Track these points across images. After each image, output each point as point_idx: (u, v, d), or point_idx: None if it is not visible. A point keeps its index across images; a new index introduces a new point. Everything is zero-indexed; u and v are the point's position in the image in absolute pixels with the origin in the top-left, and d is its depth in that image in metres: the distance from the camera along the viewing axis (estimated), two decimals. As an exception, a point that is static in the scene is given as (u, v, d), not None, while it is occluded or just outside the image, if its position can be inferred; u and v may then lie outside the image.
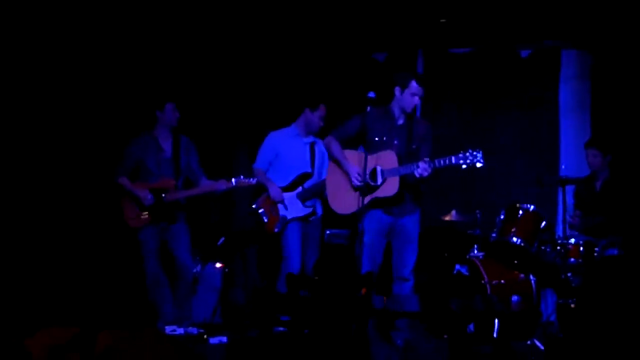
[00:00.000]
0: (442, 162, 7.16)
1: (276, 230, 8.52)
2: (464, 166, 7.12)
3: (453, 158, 7.12)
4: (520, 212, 8.35)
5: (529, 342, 7.66)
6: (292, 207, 8.53)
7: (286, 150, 8.64)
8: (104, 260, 9.06)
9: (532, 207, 8.38)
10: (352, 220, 7.67)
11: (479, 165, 7.08)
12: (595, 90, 10.09)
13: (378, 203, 7.49)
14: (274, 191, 8.49)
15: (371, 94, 7.32)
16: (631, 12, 8.53)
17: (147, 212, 8.37)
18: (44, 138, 8.84)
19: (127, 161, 8.46)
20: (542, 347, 7.55)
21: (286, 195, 8.52)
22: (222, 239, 9.60)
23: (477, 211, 8.95)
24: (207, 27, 9.82)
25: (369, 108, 7.39)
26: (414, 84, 7.55)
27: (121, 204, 8.46)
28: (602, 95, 9.91)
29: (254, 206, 8.69)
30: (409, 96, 7.55)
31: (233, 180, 8.37)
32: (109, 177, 8.45)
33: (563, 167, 9.25)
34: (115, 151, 8.56)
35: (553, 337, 7.82)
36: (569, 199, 8.86)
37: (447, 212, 9.24)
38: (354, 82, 10.08)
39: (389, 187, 7.41)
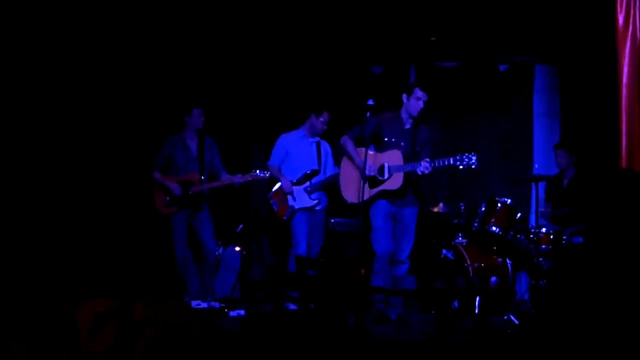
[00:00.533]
0: (441, 162, 7.20)
1: (285, 218, 8.53)
2: (460, 167, 7.15)
3: (451, 159, 7.15)
4: (499, 205, 8.35)
5: (505, 317, 7.65)
6: (300, 199, 8.52)
7: (295, 149, 8.64)
8: (142, 243, 9.08)
9: (509, 200, 8.40)
10: (356, 211, 7.75)
11: (473, 167, 7.10)
12: (564, 100, 10.09)
13: (384, 194, 7.54)
14: (285, 184, 8.50)
15: (370, 102, 7.46)
16: (593, 34, 8.55)
17: (175, 202, 8.40)
18: (102, 140, 9.01)
19: (160, 159, 8.53)
20: (517, 322, 7.53)
21: (295, 188, 8.52)
22: (241, 226, 9.60)
23: (462, 204, 8.95)
24: (230, 45, 9.84)
25: (368, 113, 7.42)
26: (417, 90, 7.63)
27: (154, 195, 8.52)
28: (569, 104, 9.91)
29: (268, 196, 8.72)
30: (414, 101, 7.62)
31: (249, 175, 8.43)
32: (146, 172, 8.53)
33: (536, 166, 9.22)
34: (151, 150, 8.62)
35: (526, 313, 7.81)
36: (541, 194, 8.86)
37: (436, 204, 9.22)
38: (355, 91, 10.04)
39: (395, 181, 7.45)
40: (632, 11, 7.78)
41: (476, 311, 7.46)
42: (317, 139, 8.69)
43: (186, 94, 9.30)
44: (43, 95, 8.39)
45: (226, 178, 8.57)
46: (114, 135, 9.04)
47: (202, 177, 8.50)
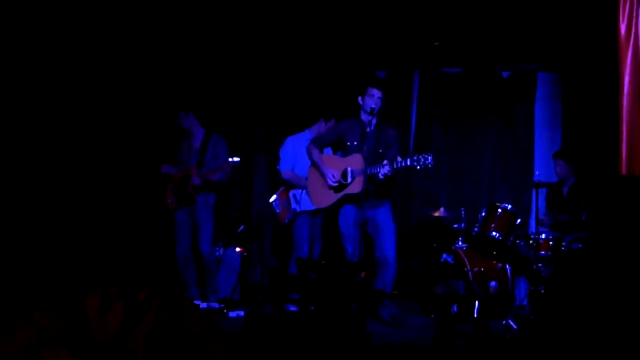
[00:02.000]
0: (399, 164, 7.23)
1: (286, 221, 8.54)
2: (417, 167, 7.18)
3: (408, 160, 7.18)
4: (499, 210, 8.35)
5: (504, 322, 7.64)
6: (304, 202, 8.53)
7: (302, 152, 8.60)
8: (149, 239, 9.15)
9: (509, 206, 8.39)
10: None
11: (430, 166, 7.13)
12: (565, 108, 10.11)
13: (348, 199, 7.60)
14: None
15: (372, 105, 7.52)
16: (595, 43, 8.57)
17: (174, 197, 8.48)
18: (116, 141, 9.09)
19: (170, 154, 8.68)
20: (516, 327, 7.53)
21: (299, 191, 8.53)
22: (242, 227, 9.61)
23: (462, 209, 8.93)
24: (237, 47, 9.87)
25: (359, 119, 7.48)
26: (370, 88, 7.67)
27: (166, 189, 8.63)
28: (571, 112, 9.93)
29: (271, 200, 8.71)
30: (368, 98, 7.64)
31: (230, 161, 8.32)
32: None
33: (537, 173, 9.20)
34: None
35: (525, 318, 7.81)
36: (541, 201, 8.88)
37: (437, 209, 9.22)
38: (358, 94, 10.04)
39: (356, 185, 7.51)
40: (634, 21, 7.78)
41: (475, 316, 7.47)
42: None
43: (190, 92, 9.34)
44: (55, 88, 8.42)
45: (216, 167, 8.48)
46: (124, 131, 9.10)
47: (201, 172, 8.42)
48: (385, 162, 7.27)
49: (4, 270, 7.04)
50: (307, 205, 8.48)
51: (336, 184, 7.61)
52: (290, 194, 8.61)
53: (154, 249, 9.05)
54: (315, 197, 7.94)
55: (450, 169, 10.13)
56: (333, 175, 7.63)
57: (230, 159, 8.30)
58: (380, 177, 7.29)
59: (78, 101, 8.62)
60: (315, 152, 7.87)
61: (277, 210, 8.64)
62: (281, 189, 8.69)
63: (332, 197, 7.70)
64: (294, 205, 8.53)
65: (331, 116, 8.66)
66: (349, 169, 7.56)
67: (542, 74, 10.35)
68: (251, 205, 10.45)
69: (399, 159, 7.26)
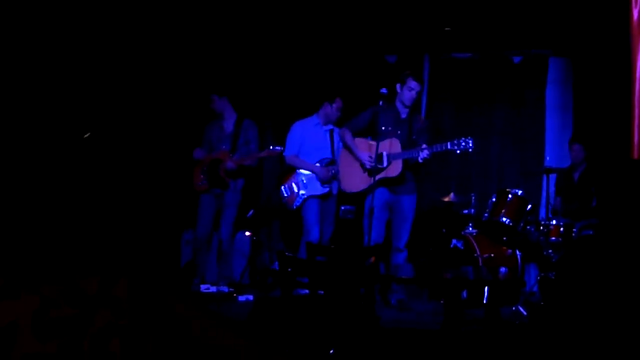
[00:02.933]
0: (439, 147, 7.33)
1: (294, 206, 8.50)
2: (457, 151, 7.28)
3: (449, 144, 7.31)
4: (510, 196, 8.29)
5: (514, 308, 7.62)
6: (312, 186, 8.49)
7: (309, 137, 8.60)
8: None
9: (519, 192, 8.34)
10: (359, 198, 7.99)
11: (470, 150, 7.26)
12: (576, 93, 10.03)
13: (384, 182, 7.62)
14: (322, 173, 8.47)
15: (383, 90, 7.43)
16: (606, 29, 8.49)
17: (206, 180, 8.53)
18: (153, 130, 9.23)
19: (203, 139, 8.71)
20: (525, 313, 7.51)
21: (307, 175, 8.49)
22: (252, 211, 9.58)
23: (472, 194, 8.87)
24: (247, 32, 9.85)
25: (380, 102, 7.42)
26: (410, 80, 7.71)
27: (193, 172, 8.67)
28: (582, 97, 9.86)
29: (283, 188, 8.67)
30: (407, 91, 7.72)
31: (272, 149, 8.45)
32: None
33: (547, 158, 9.15)
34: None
35: (535, 304, 7.77)
36: (552, 187, 8.83)
37: (447, 194, 9.16)
38: (369, 79, 10.00)
39: (394, 169, 7.55)
40: (647, 5, 7.71)
41: (485, 302, 7.44)
42: (331, 126, 8.64)
43: (204, 81, 9.37)
44: (84, 66, 8.44)
45: (251, 154, 8.55)
46: (147, 112, 9.20)
47: (231, 155, 8.46)
48: (424, 146, 7.34)
49: (7, 243, 7.03)
50: (314, 189, 8.45)
51: (373, 164, 7.55)
52: (299, 178, 8.56)
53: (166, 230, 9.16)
54: (349, 181, 7.95)
55: (461, 154, 10.07)
56: (370, 156, 7.64)
57: (271, 147, 8.43)
58: (420, 160, 7.36)
59: (106, 83, 8.65)
60: (348, 136, 7.91)
61: (286, 195, 8.60)
62: (289, 174, 8.64)
63: (366, 182, 7.71)
64: (302, 189, 8.49)
65: (335, 97, 8.59)
66: (384, 152, 7.57)
67: (553, 58, 10.27)
68: (260, 190, 10.42)
69: (438, 143, 7.35)
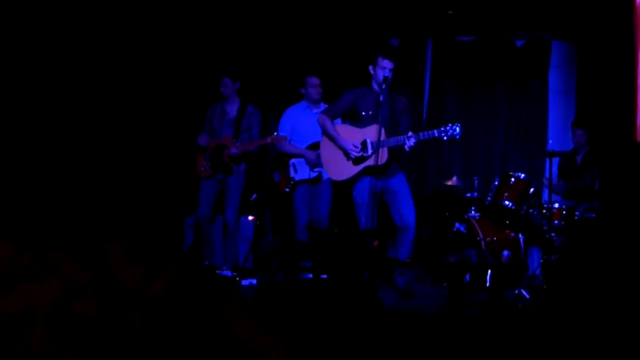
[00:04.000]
0: (426, 135, 7.18)
1: (287, 189, 8.52)
2: (445, 138, 7.14)
3: (435, 132, 7.14)
4: (512, 179, 8.27)
5: (516, 292, 7.61)
6: (301, 171, 8.55)
7: (299, 122, 8.67)
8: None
9: (522, 175, 8.31)
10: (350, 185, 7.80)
11: (457, 137, 7.12)
12: (579, 77, 9.99)
13: (369, 170, 7.38)
14: (309, 156, 8.49)
15: (386, 73, 7.35)
16: (609, 12, 8.46)
17: (209, 165, 8.52)
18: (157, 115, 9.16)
19: (205, 124, 8.70)
20: (528, 296, 7.51)
21: (297, 160, 8.52)
22: (254, 195, 9.57)
23: (475, 178, 8.86)
24: (247, 15, 9.81)
25: (370, 87, 7.37)
26: (380, 59, 7.43)
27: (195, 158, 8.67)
28: (585, 80, 9.82)
29: (274, 174, 8.71)
30: (379, 70, 7.41)
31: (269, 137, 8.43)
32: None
33: (550, 141, 9.14)
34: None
35: (538, 287, 7.77)
36: (554, 170, 8.81)
37: (449, 178, 9.14)
38: (369, 63, 9.97)
39: (380, 157, 7.26)
40: (650, -12, 7.69)
41: (488, 285, 7.44)
42: (322, 108, 8.64)
43: (213, 63, 9.36)
44: (86, 53, 8.44)
45: (256, 140, 8.57)
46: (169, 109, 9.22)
47: (235, 140, 8.46)
48: (410, 133, 7.15)
49: (26, 221, 7.04)
50: (304, 174, 8.52)
51: (359, 155, 7.41)
52: (290, 163, 8.58)
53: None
54: (333, 170, 7.72)
55: (464, 138, 10.01)
56: (354, 145, 7.43)
57: (275, 134, 8.42)
58: (406, 149, 7.18)
59: (109, 68, 8.65)
60: (328, 124, 7.62)
61: (277, 180, 8.64)
62: (281, 159, 8.68)
63: (352, 170, 7.50)
64: (292, 174, 8.52)
65: (306, 76, 8.64)
66: (368, 140, 7.36)
67: (556, 42, 10.22)
68: (263, 174, 10.40)
69: (425, 130, 7.22)
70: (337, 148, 7.59)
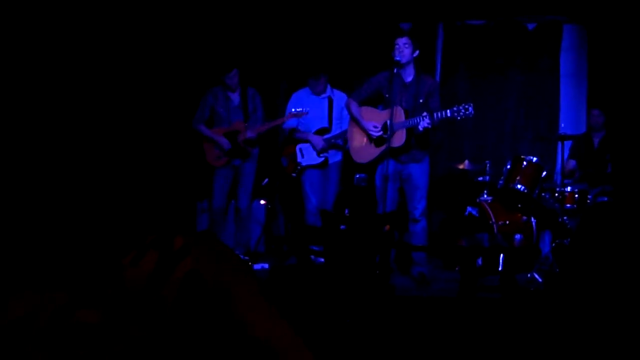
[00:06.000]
0: (439, 115, 7.09)
1: (294, 174, 8.51)
2: (458, 118, 7.06)
3: (448, 111, 7.05)
4: (524, 163, 8.21)
5: (529, 275, 7.56)
6: (308, 156, 8.53)
7: (304, 108, 8.56)
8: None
9: (534, 158, 8.25)
10: (372, 167, 7.82)
11: (470, 116, 7.03)
12: (591, 60, 9.90)
13: (390, 152, 7.32)
14: (315, 140, 8.48)
15: (398, 57, 7.31)
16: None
17: (226, 154, 8.44)
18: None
19: (205, 111, 8.58)
20: (540, 280, 7.46)
21: (304, 145, 8.50)
22: (266, 179, 9.55)
23: (487, 161, 8.80)
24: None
25: (395, 70, 7.31)
26: (397, 40, 7.43)
27: (203, 147, 8.56)
28: (596, 64, 9.73)
29: (282, 159, 8.71)
30: (396, 50, 7.38)
31: (294, 110, 8.45)
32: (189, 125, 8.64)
33: (562, 125, 9.06)
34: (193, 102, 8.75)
35: (550, 271, 7.72)
36: (567, 153, 8.76)
37: (461, 162, 9.09)
38: (383, 46, 9.90)
39: (398, 138, 7.30)
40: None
41: (500, 269, 7.39)
42: (328, 94, 8.62)
43: (220, 48, 9.30)
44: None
45: (273, 121, 8.60)
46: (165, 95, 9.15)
47: (246, 125, 8.43)
48: (424, 114, 7.12)
49: (37, 230, 7.01)
50: (311, 159, 8.52)
51: (379, 134, 7.45)
52: (297, 147, 8.57)
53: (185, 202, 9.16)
54: (358, 153, 7.78)
55: (475, 121, 9.95)
56: (374, 126, 7.51)
57: (293, 110, 8.41)
58: (420, 129, 7.11)
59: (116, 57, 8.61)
60: (353, 106, 7.71)
61: (284, 164, 8.64)
62: (288, 144, 8.66)
63: (373, 152, 7.55)
64: (299, 159, 8.50)
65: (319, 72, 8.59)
66: (388, 122, 7.32)
67: (567, 25, 10.13)
68: (277, 159, 10.37)
69: (439, 111, 7.13)
70: (361, 131, 7.67)
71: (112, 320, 1.55)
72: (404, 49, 7.38)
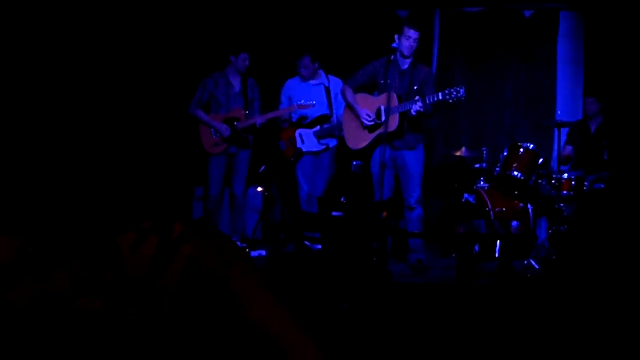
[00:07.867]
0: (431, 98, 7.11)
1: (292, 158, 8.51)
2: (450, 101, 7.04)
3: (440, 94, 7.06)
4: (521, 150, 8.21)
5: (525, 262, 7.57)
6: (308, 142, 8.50)
7: (296, 94, 8.58)
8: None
9: (531, 145, 8.26)
10: (367, 154, 7.85)
11: (462, 99, 7.01)
12: (588, 47, 9.88)
13: (383, 137, 7.34)
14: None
15: (395, 44, 7.39)
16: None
17: (225, 141, 8.40)
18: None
19: (203, 95, 8.49)
20: (537, 266, 7.47)
21: (304, 131, 8.48)
22: (263, 166, 9.53)
23: (484, 148, 8.79)
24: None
25: (392, 57, 7.33)
26: (406, 28, 7.45)
27: (199, 132, 8.47)
28: (593, 51, 9.72)
29: (280, 143, 8.70)
30: (405, 40, 7.43)
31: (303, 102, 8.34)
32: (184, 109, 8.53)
33: (559, 112, 9.06)
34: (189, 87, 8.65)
35: (546, 257, 7.73)
36: (563, 140, 8.76)
37: (458, 149, 9.08)
38: (379, 34, 9.88)
39: (391, 123, 7.28)
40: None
41: (497, 255, 7.40)
42: (322, 81, 8.61)
43: (225, 32, 9.29)
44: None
45: (280, 109, 8.60)
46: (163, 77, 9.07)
47: (246, 112, 8.41)
48: (417, 97, 7.13)
49: (39, 213, 6.99)
50: (311, 146, 8.48)
51: (371, 123, 7.47)
52: (297, 133, 8.56)
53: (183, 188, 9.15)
54: (352, 139, 7.82)
55: (472, 108, 9.94)
56: (368, 114, 7.52)
57: (302, 102, 8.29)
58: (413, 113, 7.11)
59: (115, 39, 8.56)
60: (349, 93, 7.73)
61: (283, 148, 8.62)
62: (287, 129, 8.66)
63: (367, 138, 7.58)
64: (299, 144, 8.49)
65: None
66: (382, 107, 7.37)
67: (564, 12, 10.11)
68: (274, 145, 10.38)
69: (431, 94, 7.13)
70: (355, 117, 7.68)
71: (114, 307, 1.54)
72: (414, 43, 7.46)
